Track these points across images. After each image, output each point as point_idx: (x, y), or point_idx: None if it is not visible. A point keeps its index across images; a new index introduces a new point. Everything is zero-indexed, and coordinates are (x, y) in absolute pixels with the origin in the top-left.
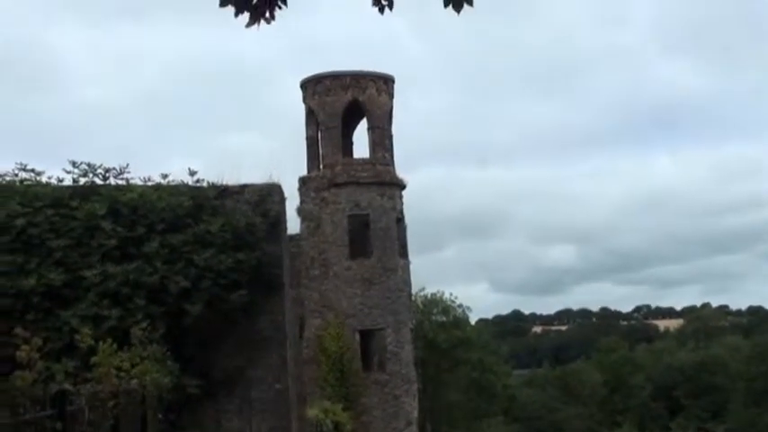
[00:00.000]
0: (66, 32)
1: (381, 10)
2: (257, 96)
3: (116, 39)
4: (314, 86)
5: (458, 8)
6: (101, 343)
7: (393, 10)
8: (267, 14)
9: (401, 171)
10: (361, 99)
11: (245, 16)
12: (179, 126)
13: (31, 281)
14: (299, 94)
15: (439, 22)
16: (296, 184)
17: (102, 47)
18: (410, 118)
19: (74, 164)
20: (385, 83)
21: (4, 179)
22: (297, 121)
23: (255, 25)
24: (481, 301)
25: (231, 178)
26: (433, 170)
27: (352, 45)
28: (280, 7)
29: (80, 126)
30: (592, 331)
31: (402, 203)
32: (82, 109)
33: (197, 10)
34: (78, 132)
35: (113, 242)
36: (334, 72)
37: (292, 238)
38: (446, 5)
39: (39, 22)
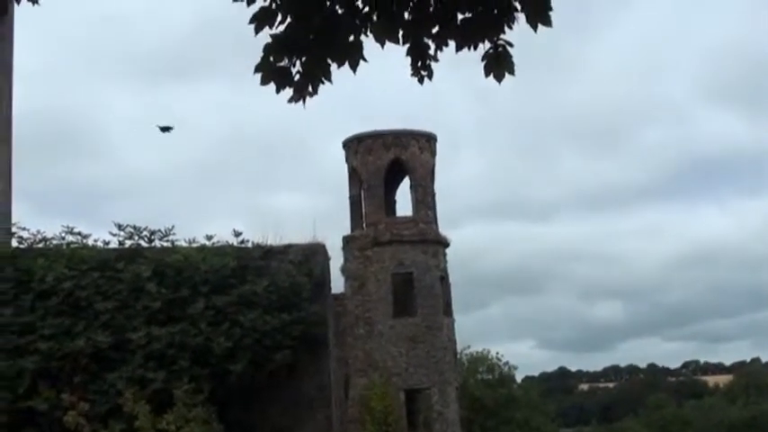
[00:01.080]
0: (114, 97)
1: (421, 80)
2: (300, 156)
3: (161, 104)
4: (356, 146)
5: (499, 78)
6: (144, 406)
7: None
8: (310, 88)
9: (445, 229)
10: (403, 157)
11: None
12: (223, 187)
13: (79, 343)
14: (342, 153)
15: (480, 81)
16: (340, 244)
17: (149, 111)
18: (453, 175)
19: (119, 227)
20: (427, 141)
21: (52, 243)
22: (340, 181)
23: (301, 102)
24: (527, 358)
25: (275, 238)
26: (478, 228)
27: (394, 104)
28: (323, 82)
29: (126, 190)
30: (640, 388)
31: (446, 261)
32: (128, 173)
33: (238, 75)
34: (124, 196)
35: (158, 304)
36: (375, 131)
37: (337, 297)
38: (487, 75)
39: (88, 88)
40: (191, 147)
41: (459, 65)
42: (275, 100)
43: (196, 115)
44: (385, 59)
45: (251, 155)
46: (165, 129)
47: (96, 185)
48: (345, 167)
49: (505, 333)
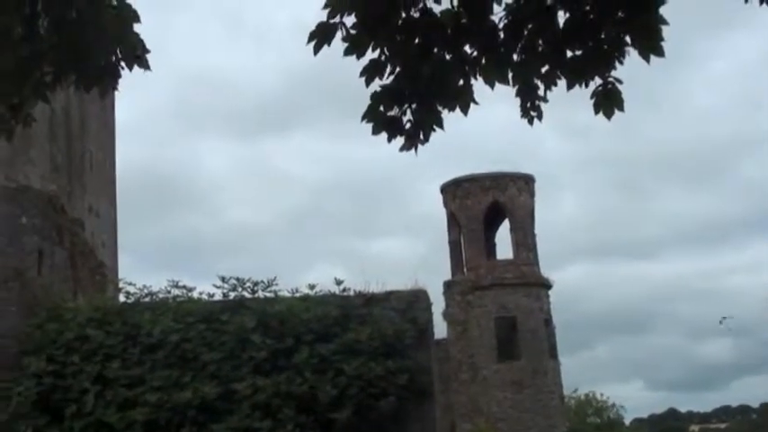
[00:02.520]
0: (212, 152)
1: (531, 121)
2: (398, 201)
3: (261, 155)
4: (454, 190)
5: (609, 115)
6: None
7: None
8: (421, 136)
9: (546, 270)
10: (501, 200)
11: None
12: (322, 235)
13: (187, 394)
14: (439, 197)
15: (576, 118)
16: (441, 289)
17: (248, 163)
18: (553, 216)
19: (223, 279)
20: (525, 182)
21: (158, 296)
22: (438, 224)
23: (413, 150)
24: (636, 400)
25: (377, 286)
26: (580, 268)
27: (491, 146)
28: (434, 129)
29: (227, 241)
30: (752, 428)
31: (549, 303)
32: (229, 225)
33: (332, 125)
34: (226, 248)
35: (263, 354)
36: (473, 175)
37: (439, 342)
38: (597, 113)
39: (186, 143)
40: (289, 196)
41: (554, 103)
42: (370, 147)
43: (293, 165)
44: (480, 101)
45: (348, 201)
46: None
47: (198, 238)
48: (443, 211)
49: (612, 374)
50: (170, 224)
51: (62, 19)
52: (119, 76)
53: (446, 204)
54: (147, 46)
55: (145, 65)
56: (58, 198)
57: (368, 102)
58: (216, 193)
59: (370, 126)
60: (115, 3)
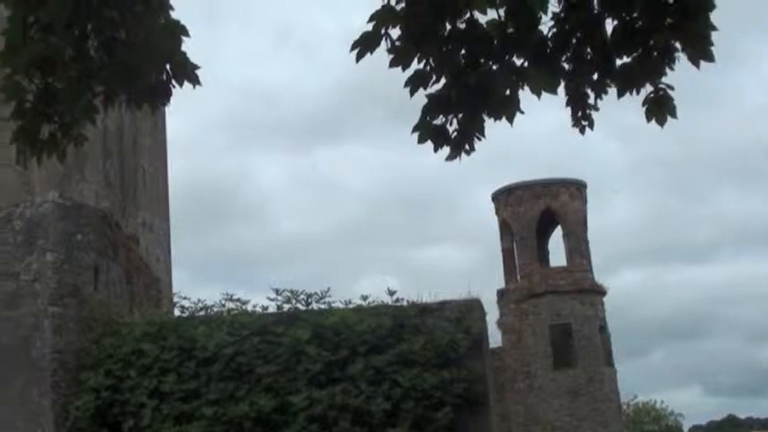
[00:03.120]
0: (263, 164)
1: (582, 131)
2: (449, 209)
3: (312, 165)
4: (505, 198)
5: (662, 122)
6: None
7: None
8: (467, 146)
9: (601, 276)
10: (553, 207)
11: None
12: (374, 244)
13: (243, 407)
14: (491, 204)
15: (626, 122)
16: (495, 297)
17: (299, 174)
18: (605, 221)
19: (277, 291)
20: (577, 188)
21: (212, 310)
22: (490, 232)
23: (457, 159)
24: (694, 406)
25: (430, 295)
26: (634, 273)
27: (541, 151)
28: (479, 139)
29: (280, 253)
30: None
31: (604, 310)
32: (281, 237)
33: (382, 134)
34: (278, 260)
35: (318, 366)
36: (524, 182)
37: (494, 351)
38: (649, 120)
39: (237, 157)
40: (340, 207)
41: (604, 105)
42: (421, 155)
43: (344, 175)
44: (527, 108)
45: (400, 210)
46: None
47: (251, 250)
48: (495, 219)
49: (670, 381)
50: (223, 237)
51: (111, 39)
52: (170, 93)
53: (498, 212)
54: (196, 60)
55: (195, 80)
56: (113, 214)
57: (416, 109)
58: (268, 205)
59: (411, 129)
60: (163, 20)
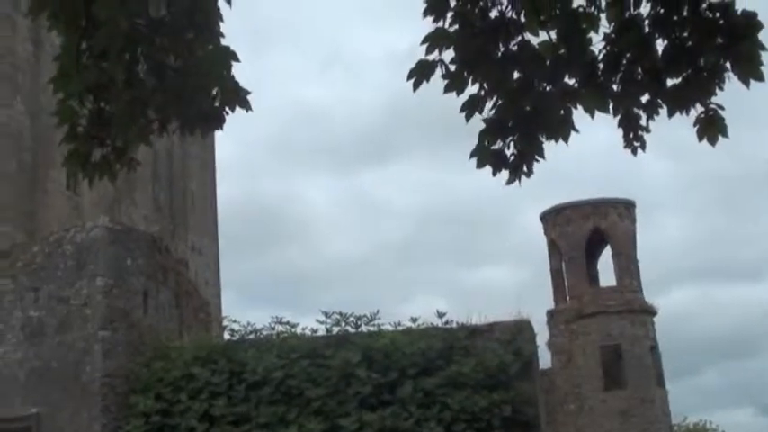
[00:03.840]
0: (311, 185)
1: (634, 152)
2: (497, 229)
3: (360, 186)
4: (554, 218)
5: (713, 142)
6: None
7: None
8: (525, 169)
9: (651, 295)
10: (602, 227)
11: (504, 174)
12: (422, 265)
13: (293, 431)
14: (539, 224)
15: (673, 139)
16: (544, 318)
17: (346, 195)
18: (654, 239)
19: (326, 314)
20: (626, 207)
21: (262, 333)
22: (539, 251)
23: (516, 182)
24: (747, 427)
25: (479, 317)
26: (685, 292)
27: (589, 169)
28: (537, 160)
29: (328, 275)
30: None
31: (654, 329)
32: (329, 258)
33: (430, 154)
34: (327, 281)
35: (368, 389)
36: (573, 202)
37: (544, 372)
38: (700, 140)
39: (285, 177)
40: (389, 227)
41: (655, 123)
42: (468, 174)
43: (392, 196)
44: (579, 126)
45: (448, 230)
46: None
47: (299, 271)
48: (544, 238)
49: (722, 401)
50: (271, 258)
51: (162, 65)
52: (223, 120)
53: (546, 232)
54: (244, 83)
55: (246, 106)
56: (162, 238)
57: (461, 127)
58: (315, 226)
59: (469, 154)
60: (213, 46)
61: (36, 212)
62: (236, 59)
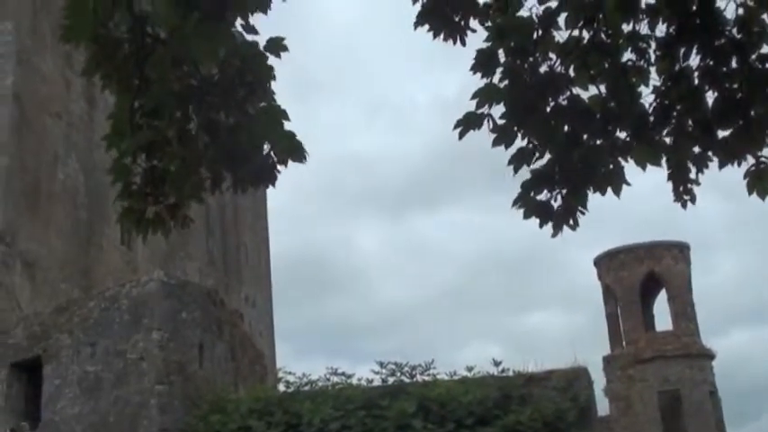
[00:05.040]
0: (360, 232)
1: (684, 205)
2: (551, 273)
3: (411, 232)
4: (608, 262)
5: (763, 195)
6: None
7: (696, 202)
8: (571, 221)
9: (708, 338)
10: (657, 270)
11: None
12: (475, 310)
13: None
14: (593, 268)
15: (731, 177)
16: (600, 364)
17: (397, 242)
18: (711, 281)
19: (381, 364)
20: (680, 250)
21: (317, 384)
22: (594, 297)
23: (560, 233)
24: None
25: (535, 364)
26: (744, 333)
27: (641, 211)
28: (582, 213)
29: (381, 322)
30: None
31: (713, 374)
32: (381, 305)
33: (480, 199)
34: (380, 329)
35: None
36: (626, 246)
37: (602, 420)
38: (750, 193)
39: (334, 225)
40: (440, 273)
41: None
42: (518, 218)
43: (443, 241)
44: (630, 174)
45: (500, 275)
46: None
47: (352, 319)
48: (598, 283)
49: None
50: (324, 307)
51: (213, 122)
52: (275, 177)
53: (600, 277)
54: (297, 135)
55: (300, 157)
56: (217, 291)
57: (514, 175)
58: (367, 273)
59: (512, 202)
60: (265, 104)
61: (91, 268)
62: (287, 118)
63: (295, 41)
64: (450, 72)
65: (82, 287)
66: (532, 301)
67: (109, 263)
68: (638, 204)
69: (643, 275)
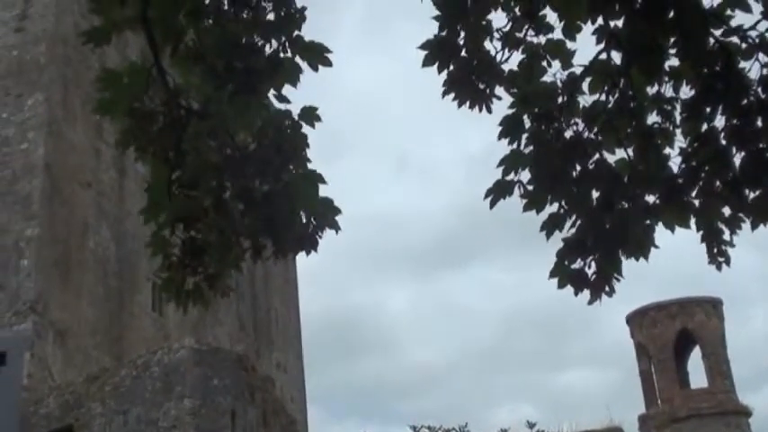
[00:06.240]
0: (390, 292)
1: (719, 267)
2: (583, 331)
3: (440, 291)
4: (640, 320)
5: None
6: None
7: (731, 264)
8: (607, 288)
9: (744, 395)
10: (690, 327)
11: (586, 293)
12: (508, 370)
13: None
14: (625, 326)
15: (763, 232)
16: (636, 423)
17: (427, 301)
18: (746, 335)
19: (414, 429)
20: (713, 306)
21: None
22: (628, 354)
23: (597, 301)
24: None
25: (570, 425)
26: None
27: (674, 266)
28: (618, 280)
29: (413, 383)
30: None
31: (750, 431)
32: (413, 366)
33: (509, 257)
34: (412, 390)
35: None
36: (658, 302)
37: None
38: None
39: (363, 285)
40: (471, 332)
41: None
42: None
43: (473, 300)
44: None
45: (531, 334)
46: None
47: (384, 381)
48: (631, 340)
49: None
50: (355, 369)
51: (248, 190)
52: (316, 243)
53: (633, 335)
54: (333, 201)
55: (335, 227)
56: (248, 357)
57: (547, 240)
58: (399, 334)
59: (548, 274)
60: (301, 170)
61: (123, 335)
62: (323, 182)
63: (321, 103)
64: (473, 128)
65: (113, 354)
66: (565, 359)
67: (140, 329)
68: (669, 260)
69: (676, 332)
